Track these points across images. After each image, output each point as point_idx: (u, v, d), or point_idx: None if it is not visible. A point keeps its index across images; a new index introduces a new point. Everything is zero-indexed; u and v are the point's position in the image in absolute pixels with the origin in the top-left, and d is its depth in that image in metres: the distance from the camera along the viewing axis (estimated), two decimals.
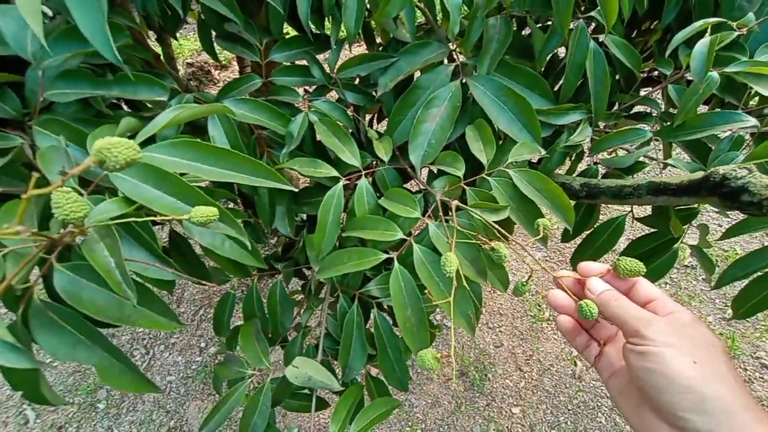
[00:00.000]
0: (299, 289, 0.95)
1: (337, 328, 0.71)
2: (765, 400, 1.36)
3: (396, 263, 0.54)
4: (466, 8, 0.70)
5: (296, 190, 0.50)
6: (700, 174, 0.52)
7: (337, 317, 0.70)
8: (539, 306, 1.67)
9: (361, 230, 0.59)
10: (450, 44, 0.68)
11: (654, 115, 0.71)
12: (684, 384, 0.29)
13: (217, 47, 0.77)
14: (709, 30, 0.57)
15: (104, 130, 0.43)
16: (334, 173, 0.62)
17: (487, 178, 0.57)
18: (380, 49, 0.78)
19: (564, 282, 0.39)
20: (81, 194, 0.36)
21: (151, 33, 0.87)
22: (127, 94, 0.46)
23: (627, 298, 0.36)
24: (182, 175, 0.38)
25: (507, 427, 1.38)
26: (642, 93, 0.76)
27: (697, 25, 0.55)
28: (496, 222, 0.53)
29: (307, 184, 0.83)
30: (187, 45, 3.50)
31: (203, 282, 0.59)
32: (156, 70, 0.72)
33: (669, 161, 0.60)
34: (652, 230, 0.71)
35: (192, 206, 0.38)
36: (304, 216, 0.84)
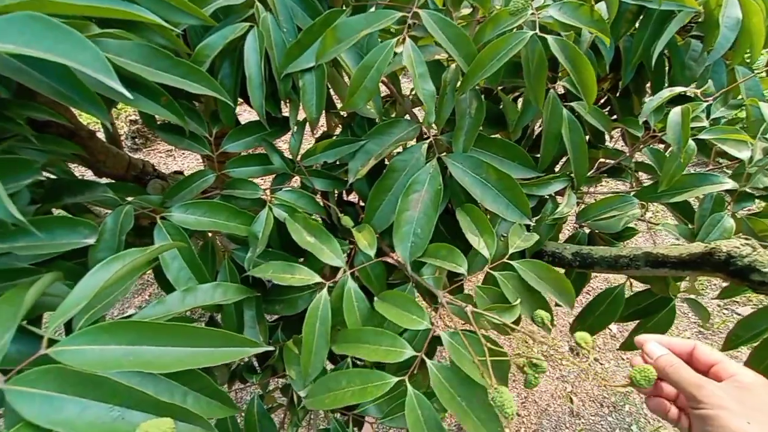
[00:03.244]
0: (277, 387, 0.84)
1: None
2: None
3: (410, 388, 0.46)
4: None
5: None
6: (700, 247, 0.50)
7: None
8: (526, 342, 1.64)
9: (357, 346, 0.50)
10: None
11: (629, 168, 0.71)
12: None
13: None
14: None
15: (9, 297, 0.32)
16: (317, 278, 0.54)
17: (492, 272, 0.51)
18: (344, 118, 0.73)
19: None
20: None
21: None
22: (37, 246, 0.36)
23: (686, 363, 0.37)
24: None
25: None
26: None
27: (665, 95, 0.56)
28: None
29: None
30: None
31: None
32: (88, 182, 0.61)
33: (659, 226, 0.58)
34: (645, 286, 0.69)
35: (136, 410, 0.29)
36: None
